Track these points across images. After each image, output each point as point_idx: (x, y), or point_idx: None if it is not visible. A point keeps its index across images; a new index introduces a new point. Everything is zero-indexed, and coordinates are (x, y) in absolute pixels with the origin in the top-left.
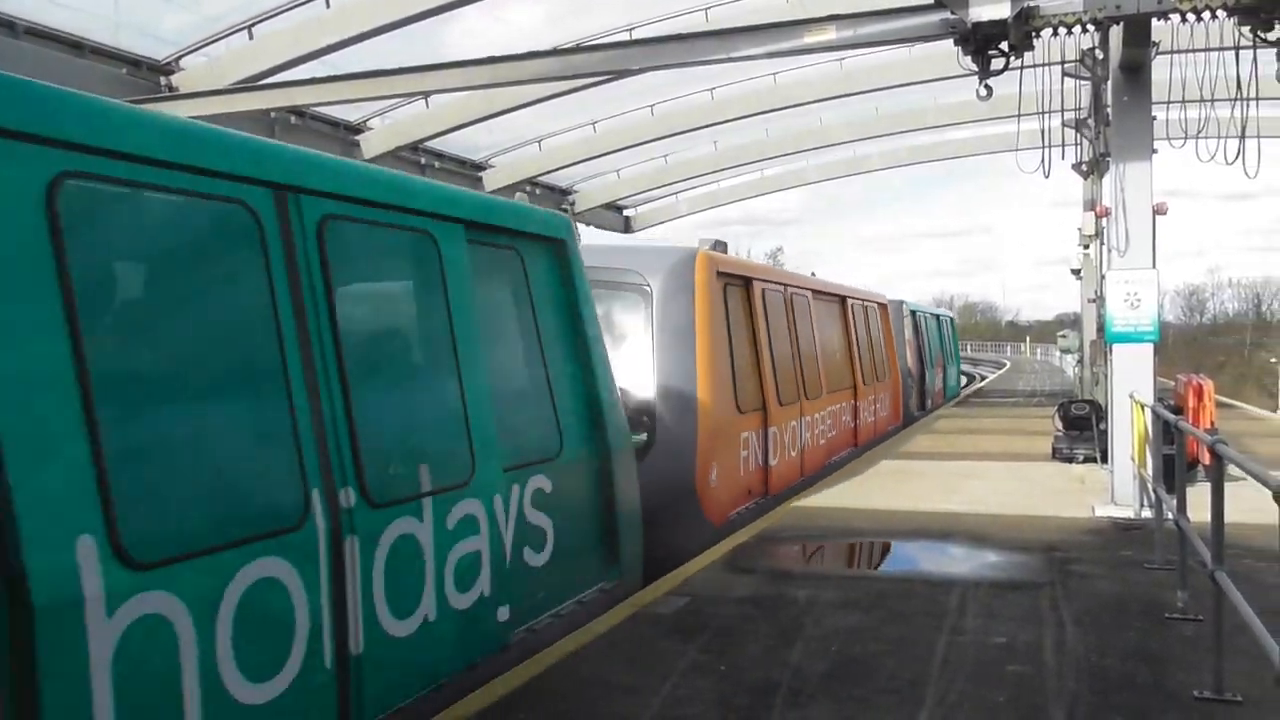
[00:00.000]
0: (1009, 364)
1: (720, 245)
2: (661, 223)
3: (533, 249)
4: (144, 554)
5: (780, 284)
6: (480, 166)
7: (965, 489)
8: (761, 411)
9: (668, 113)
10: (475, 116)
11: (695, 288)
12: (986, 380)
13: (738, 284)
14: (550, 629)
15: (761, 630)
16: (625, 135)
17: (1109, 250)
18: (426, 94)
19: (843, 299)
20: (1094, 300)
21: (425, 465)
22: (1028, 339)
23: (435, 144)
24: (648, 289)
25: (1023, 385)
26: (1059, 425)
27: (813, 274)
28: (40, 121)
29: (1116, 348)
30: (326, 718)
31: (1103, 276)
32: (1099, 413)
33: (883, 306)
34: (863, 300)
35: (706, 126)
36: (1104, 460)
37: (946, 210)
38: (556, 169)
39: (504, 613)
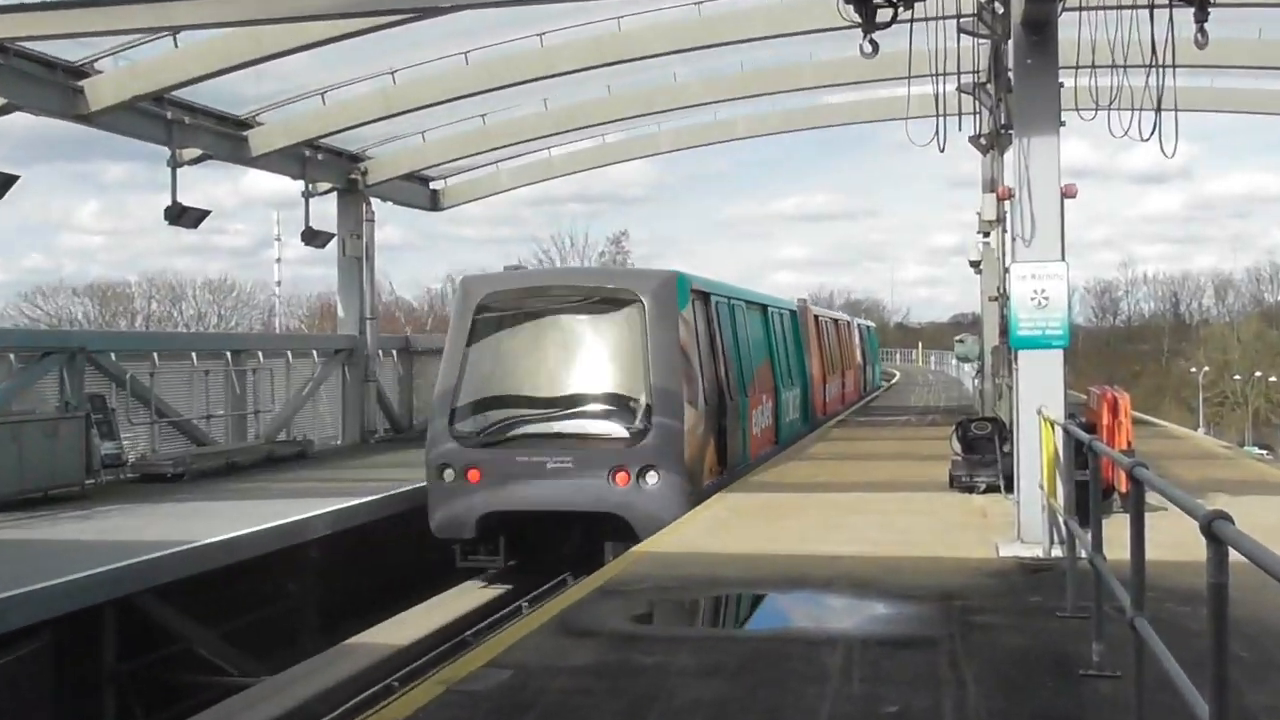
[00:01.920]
0: (898, 375)
1: (805, 301)
2: (478, 198)
3: (788, 315)
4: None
5: (829, 317)
6: (245, 124)
7: (850, 526)
8: (823, 375)
9: (486, 62)
10: (238, 60)
11: (807, 319)
12: (873, 395)
13: (813, 319)
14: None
15: (603, 707)
16: (432, 89)
17: (1012, 239)
18: (174, 30)
19: (842, 322)
20: (996, 298)
21: (784, 379)
22: (920, 345)
23: (186, 94)
24: (796, 316)
25: (915, 401)
26: (957, 448)
27: (836, 308)
28: (703, 286)
29: (1022, 354)
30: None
31: (1006, 270)
32: (1002, 432)
33: (849, 323)
34: (849, 321)
35: (534, 80)
36: (1009, 488)
37: (824, 189)
38: (344, 129)
39: (798, 424)
